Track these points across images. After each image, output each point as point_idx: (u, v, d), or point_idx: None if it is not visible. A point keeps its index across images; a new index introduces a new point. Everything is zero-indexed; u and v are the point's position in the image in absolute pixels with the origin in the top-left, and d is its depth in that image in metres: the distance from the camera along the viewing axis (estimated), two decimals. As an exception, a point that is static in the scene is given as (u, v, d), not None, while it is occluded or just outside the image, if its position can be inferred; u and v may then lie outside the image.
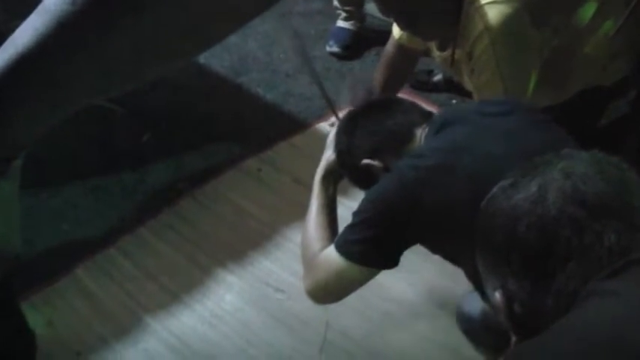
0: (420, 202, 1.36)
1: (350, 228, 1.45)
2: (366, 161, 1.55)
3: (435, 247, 1.59)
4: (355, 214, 1.45)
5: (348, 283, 1.50)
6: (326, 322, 1.98)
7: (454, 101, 2.84)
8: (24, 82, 0.66)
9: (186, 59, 0.87)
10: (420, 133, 1.53)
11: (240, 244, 2.25)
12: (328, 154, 1.70)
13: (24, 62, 0.64)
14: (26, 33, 0.64)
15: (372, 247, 1.41)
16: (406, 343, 1.94)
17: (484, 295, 1.55)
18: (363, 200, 1.45)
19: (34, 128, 0.73)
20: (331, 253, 1.46)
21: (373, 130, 1.57)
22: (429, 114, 1.60)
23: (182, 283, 2.12)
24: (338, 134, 1.67)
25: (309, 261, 1.55)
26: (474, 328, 1.84)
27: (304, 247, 1.59)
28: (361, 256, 1.42)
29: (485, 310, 1.69)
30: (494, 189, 1.03)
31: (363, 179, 1.59)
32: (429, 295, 2.03)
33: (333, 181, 1.68)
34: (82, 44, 0.64)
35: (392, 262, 1.45)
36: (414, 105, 1.63)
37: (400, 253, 1.46)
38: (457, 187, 1.34)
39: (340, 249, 1.44)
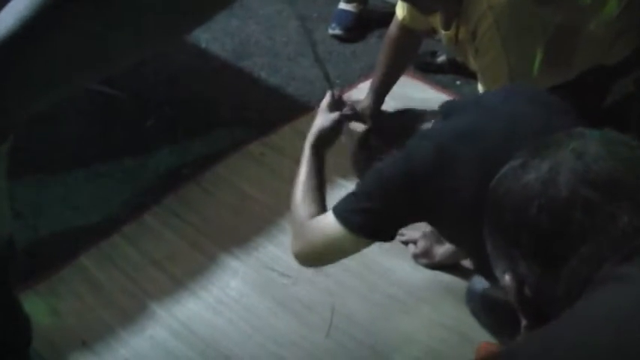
0: (426, 187, 1.37)
1: (352, 197, 1.46)
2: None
3: (438, 227, 1.60)
4: (360, 184, 1.46)
5: (341, 250, 1.53)
6: (332, 307, 1.97)
7: (458, 82, 2.81)
8: (8, 65, 0.65)
9: (181, 36, 0.86)
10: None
11: (245, 228, 2.24)
12: (321, 120, 1.72)
13: (7, 45, 0.64)
14: (9, 17, 0.63)
15: (371, 219, 1.43)
16: (412, 326, 1.93)
17: (491, 280, 1.56)
18: (371, 172, 1.46)
19: (23, 109, 0.73)
20: (329, 218, 1.47)
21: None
22: None
23: (186, 269, 2.11)
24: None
25: (299, 224, 1.56)
26: (482, 309, 1.84)
27: (294, 210, 1.60)
28: (359, 227, 1.43)
29: (495, 292, 1.68)
30: (504, 168, 1.01)
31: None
32: (434, 279, 2.02)
33: (323, 146, 1.70)
34: (65, 26, 0.63)
35: (389, 236, 1.47)
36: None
37: (398, 229, 1.47)
38: (463, 172, 1.36)
39: (339, 216, 1.45)
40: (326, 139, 1.70)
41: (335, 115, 1.71)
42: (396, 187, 1.41)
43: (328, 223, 1.47)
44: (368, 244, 1.49)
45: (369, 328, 1.92)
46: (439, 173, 1.37)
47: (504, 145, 1.30)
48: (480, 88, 2.02)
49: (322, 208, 1.53)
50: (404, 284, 2.03)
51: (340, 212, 1.46)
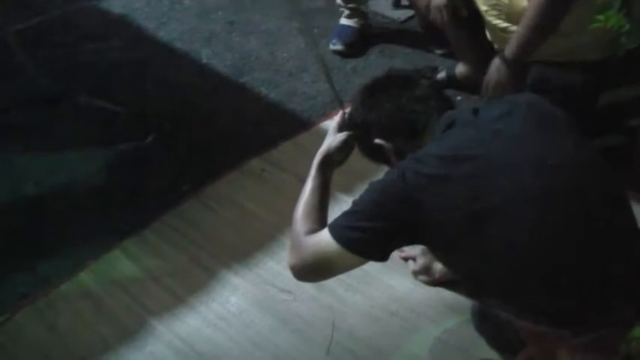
0: (418, 207, 1.39)
1: (347, 215, 1.46)
2: (378, 141, 1.58)
3: (432, 250, 1.60)
4: (356, 202, 1.46)
5: (335, 267, 1.52)
6: (332, 323, 1.96)
7: (459, 98, 2.82)
8: None
9: None
10: (433, 126, 1.53)
11: (245, 245, 2.23)
12: (330, 140, 1.72)
13: None
14: None
15: (366, 238, 1.43)
16: (414, 343, 1.92)
17: (484, 302, 1.57)
18: (366, 190, 1.46)
19: None
20: (325, 235, 1.47)
21: (390, 110, 1.59)
22: (446, 102, 1.60)
23: (186, 285, 2.11)
24: (355, 105, 1.70)
25: (297, 238, 1.56)
26: (488, 326, 1.82)
27: (294, 224, 1.60)
28: (354, 244, 1.43)
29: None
30: None
31: (374, 154, 1.65)
32: (436, 296, 2.01)
33: (330, 165, 1.70)
34: None
35: (382, 255, 1.47)
36: (433, 90, 1.62)
37: (392, 249, 1.47)
38: (453, 195, 1.37)
39: (334, 233, 1.45)
40: (333, 159, 1.70)
41: (344, 135, 1.70)
42: (387, 210, 1.41)
43: (323, 238, 1.47)
44: (360, 263, 1.48)
45: (370, 344, 1.91)
46: (428, 198, 1.38)
47: (490, 169, 1.37)
48: None
49: (321, 227, 1.53)
50: (405, 301, 2.02)
51: (335, 228, 1.46)
